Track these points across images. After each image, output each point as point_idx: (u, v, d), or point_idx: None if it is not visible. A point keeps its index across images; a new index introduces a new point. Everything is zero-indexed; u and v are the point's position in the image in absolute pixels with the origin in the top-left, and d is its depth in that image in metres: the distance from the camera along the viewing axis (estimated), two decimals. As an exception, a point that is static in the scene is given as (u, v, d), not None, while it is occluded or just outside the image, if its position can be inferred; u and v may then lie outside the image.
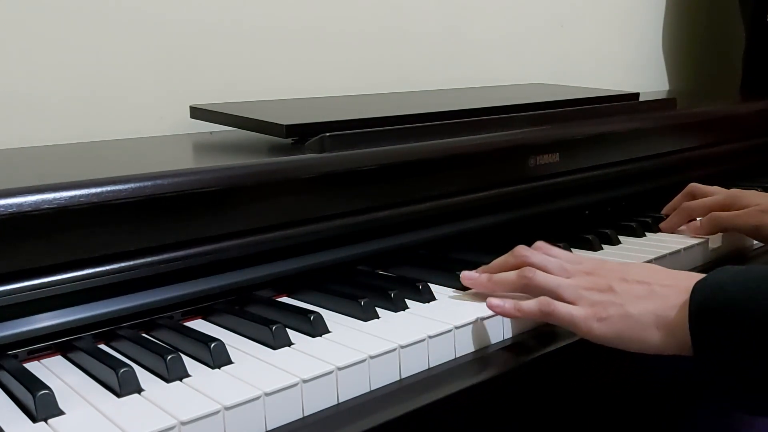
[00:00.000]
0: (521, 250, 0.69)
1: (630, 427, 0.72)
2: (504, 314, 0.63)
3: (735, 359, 0.53)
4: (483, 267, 0.71)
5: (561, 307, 0.61)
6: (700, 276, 0.58)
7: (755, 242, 0.89)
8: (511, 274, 0.67)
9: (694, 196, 0.92)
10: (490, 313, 0.63)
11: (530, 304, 0.62)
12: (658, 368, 0.62)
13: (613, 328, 0.59)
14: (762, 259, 0.88)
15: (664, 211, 0.95)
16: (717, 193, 0.90)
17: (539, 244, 0.71)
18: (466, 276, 0.69)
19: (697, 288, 0.56)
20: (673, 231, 0.91)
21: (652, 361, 0.59)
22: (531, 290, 0.65)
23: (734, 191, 0.90)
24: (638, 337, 0.58)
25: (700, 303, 0.55)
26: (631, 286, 0.61)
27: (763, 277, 0.54)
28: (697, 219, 0.88)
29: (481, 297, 0.68)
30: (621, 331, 0.59)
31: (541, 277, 0.64)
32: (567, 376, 0.64)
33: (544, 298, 0.62)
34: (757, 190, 1.11)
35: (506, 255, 0.70)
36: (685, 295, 0.57)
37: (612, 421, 0.69)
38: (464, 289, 0.70)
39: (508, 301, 0.63)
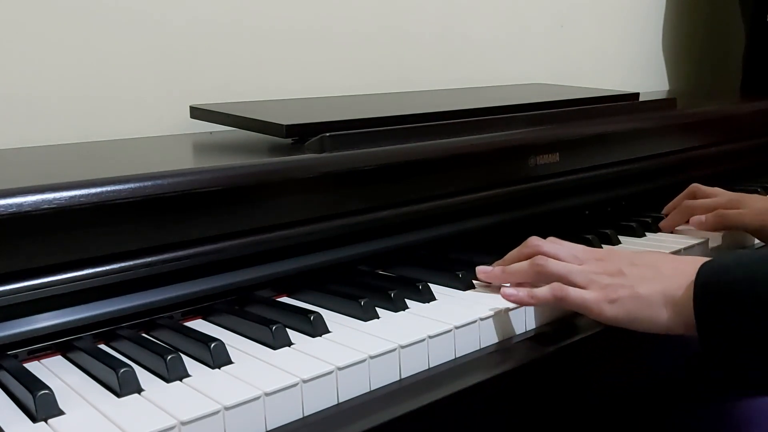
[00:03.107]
0: (533, 240, 0.71)
1: (631, 423, 0.72)
2: (519, 302, 0.64)
3: (736, 337, 0.54)
4: (497, 262, 0.72)
5: (573, 292, 0.63)
6: (706, 260, 0.60)
7: (756, 241, 0.89)
8: (524, 264, 0.68)
9: (695, 197, 0.92)
10: (490, 313, 0.63)
11: (544, 291, 0.64)
12: (665, 360, 0.64)
13: (624, 308, 0.61)
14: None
15: (664, 211, 0.95)
16: (718, 194, 0.91)
17: (552, 238, 0.72)
18: (481, 270, 0.71)
19: (703, 270, 0.58)
20: (672, 229, 0.91)
21: (658, 354, 0.60)
22: (543, 278, 0.67)
23: (736, 194, 0.90)
24: (648, 316, 0.60)
25: (704, 284, 0.57)
26: (640, 269, 0.63)
27: (762, 259, 0.56)
28: (702, 216, 0.88)
29: (481, 297, 0.68)
30: (631, 311, 0.60)
31: (553, 264, 0.66)
32: (567, 376, 0.64)
33: (556, 284, 0.64)
34: (757, 190, 1.11)
35: (519, 247, 0.71)
36: (691, 276, 0.58)
37: (608, 420, 0.69)
38: (464, 289, 0.70)
39: (522, 290, 0.64)
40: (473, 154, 0.84)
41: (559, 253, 0.68)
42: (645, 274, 0.62)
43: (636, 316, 0.61)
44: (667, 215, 0.93)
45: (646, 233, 0.90)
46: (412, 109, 0.91)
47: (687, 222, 0.93)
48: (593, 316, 0.63)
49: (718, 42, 1.98)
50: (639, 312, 0.60)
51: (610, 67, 1.66)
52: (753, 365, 0.55)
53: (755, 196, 0.91)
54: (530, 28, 1.49)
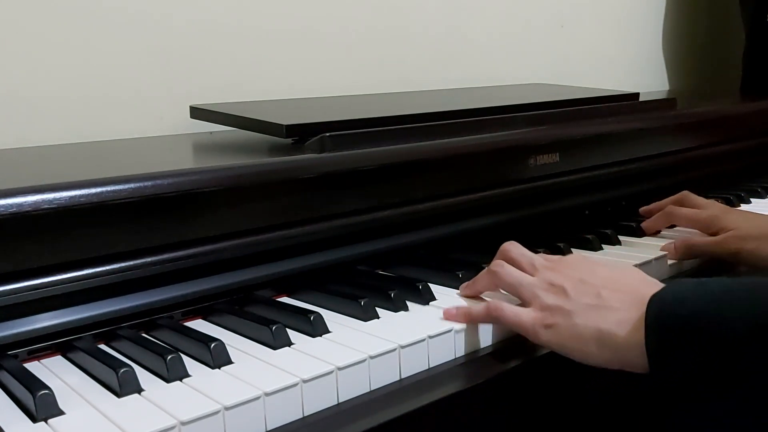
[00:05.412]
0: (505, 245, 0.68)
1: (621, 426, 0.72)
2: (455, 320, 0.61)
3: (698, 375, 0.50)
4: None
5: (509, 312, 0.61)
6: (659, 287, 0.56)
7: None
8: (484, 271, 0.67)
9: (682, 205, 0.90)
10: (490, 313, 0.63)
11: (479, 309, 0.62)
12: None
13: (557, 337, 0.58)
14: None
15: (643, 210, 0.94)
16: (706, 206, 0.88)
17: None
18: (462, 286, 0.70)
19: (654, 302, 0.54)
20: (652, 232, 0.90)
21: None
22: (499, 286, 0.66)
23: (722, 210, 0.86)
24: (579, 350, 0.57)
25: (658, 318, 0.53)
26: (585, 292, 0.59)
27: (725, 289, 0.52)
28: (672, 243, 0.83)
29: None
30: (564, 342, 0.58)
31: (505, 271, 0.64)
32: (563, 376, 0.64)
33: (493, 303, 0.62)
34: (757, 190, 1.11)
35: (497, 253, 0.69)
36: (636, 309, 0.55)
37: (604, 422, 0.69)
38: (464, 289, 0.70)
39: (461, 307, 0.62)
40: (473, 154, 0.84)
41: (520, 260, 0.65)
42: (587, 300, 0.58)
43: (568, 347, 0.58)
44: (646, 213, 0.92)
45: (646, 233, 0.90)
46: (412, 109, 0.91)
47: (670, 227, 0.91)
48: (529, 338, 0.60)
49: (718, 42, 1.98)
50: (571, 343, 0.57)
51: (610, 67, 1.66)
52: (712, 399, 0.51)
53: (737, 212, 0.87)
54: (530, 28, 1.49)
